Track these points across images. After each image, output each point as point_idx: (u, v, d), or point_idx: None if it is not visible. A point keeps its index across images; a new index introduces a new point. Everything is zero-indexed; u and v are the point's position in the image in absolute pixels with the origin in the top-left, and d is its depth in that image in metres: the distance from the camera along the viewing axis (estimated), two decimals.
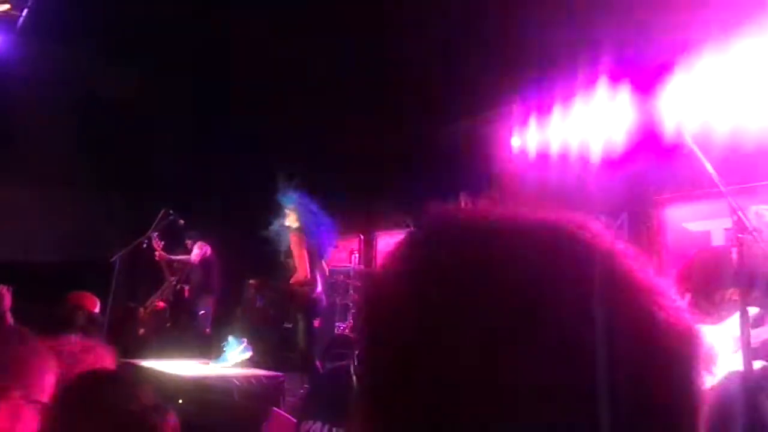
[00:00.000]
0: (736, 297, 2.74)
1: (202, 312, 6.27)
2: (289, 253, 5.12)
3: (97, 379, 1.44)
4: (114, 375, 1.43)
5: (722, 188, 2.60)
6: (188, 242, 6.52)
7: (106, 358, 1.65)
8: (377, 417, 0.45)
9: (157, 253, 6.32)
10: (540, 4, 4.59)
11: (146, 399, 1.32)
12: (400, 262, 0.48)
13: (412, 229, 0.51)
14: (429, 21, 5.24)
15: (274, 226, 5.27)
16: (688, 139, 2.80)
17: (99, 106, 7.06)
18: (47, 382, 1.40)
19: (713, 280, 2.97)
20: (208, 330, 6.19)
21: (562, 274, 0.42)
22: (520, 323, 0.40)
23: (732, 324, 2.80)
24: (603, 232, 0.47)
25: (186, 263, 6.46)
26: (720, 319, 2.89)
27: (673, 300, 0.45)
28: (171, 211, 5.88)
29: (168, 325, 6.18)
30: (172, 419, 1.33)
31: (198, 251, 6.42)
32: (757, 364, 2.64)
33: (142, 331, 6.12)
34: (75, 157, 7.31)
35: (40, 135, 6.87)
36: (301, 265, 5.02)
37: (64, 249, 7.59)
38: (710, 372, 0.45)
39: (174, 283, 6.46)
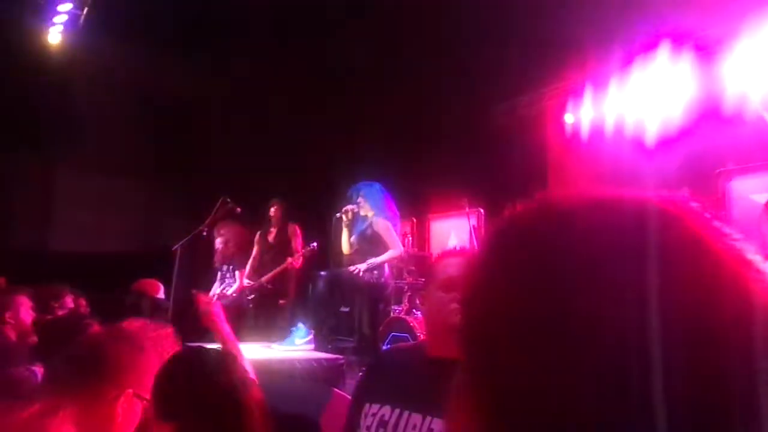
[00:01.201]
0: None
1: (282, 301, 6.11)
2: (369, 240, 5.18)
3: (186, 357, 1.51)
4: (202, 353, 1.50)
5: None
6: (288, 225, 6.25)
7: None
8: (488, 409, 0.44)
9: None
10: None
11: (234, 376, 1.39)
12: (505, 251, 0.47)
13: (507, 214, 0.50)
14: None
15: (346, 216, 5.32)
16: (759, 107, 2.67)
17: (162, 99, 7.26)
18: (151, 380, 1.52)
19: None
20: (285, 318, 5.92)
21: (653, 255, 0.41)
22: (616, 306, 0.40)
23: None
24: (696, 211, 0.45)
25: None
26: None
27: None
28: (228, 199, 5.99)
29: (251, 306, 6.11)
30: (258, 393, 1.39)
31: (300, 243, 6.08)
32: None
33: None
34: (139, 150, 7.56)
35: (105, 128, 7.13)
36: (395, 244, 5.19)
37: (129, 239, 7.88)
38: None
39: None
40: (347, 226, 5.38)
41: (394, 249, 5.21)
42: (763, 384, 0.39)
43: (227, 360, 1.47)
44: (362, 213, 5.29)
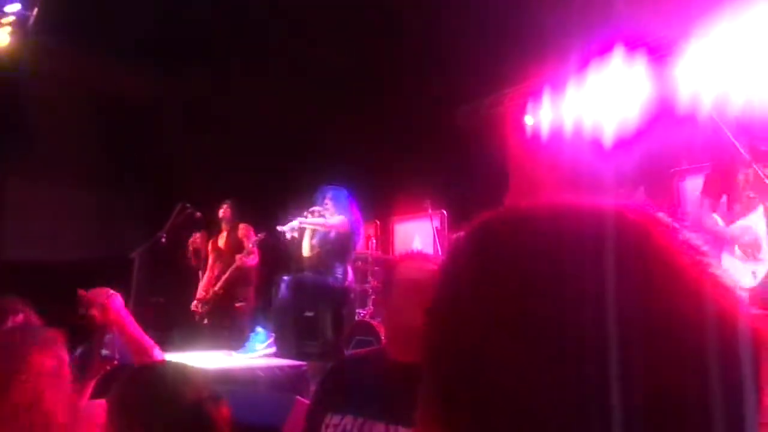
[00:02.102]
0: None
1: (239, 304, 5.94)
2: (333, 243, 5.11)
3: (149, 370, 1.46)
4: (169, 367, 1.44)
5: (746, 155, 2.56)
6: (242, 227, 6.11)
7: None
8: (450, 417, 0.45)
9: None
10: None
11: (201, 389, 1.34)
12: (471, 265, 0.48)
13: (472, 228, 0.51)
14: (440, 1, 5.18)
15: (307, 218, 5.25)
16: (709, 109, 2.77)
17: (119, 105, 7.09)
18: None
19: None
20: (245, 323, 5.79)
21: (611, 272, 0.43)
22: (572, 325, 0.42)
23: None
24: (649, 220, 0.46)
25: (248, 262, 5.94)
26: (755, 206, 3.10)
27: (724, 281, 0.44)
28: (188, 205, 5.88)
29: (205, 321, 5.95)
30: (225, 408, 1.34)
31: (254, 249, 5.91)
32: None
33: (206, 320, 5.91)
34: (95, 156, 7.36)
35: (60, 134, 6.92)
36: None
37: (85, 246, 7.67)
38: None
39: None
40: (310, 228, 5.31)
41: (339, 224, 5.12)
42: (714, 386, 0.40)
43: (192, 373, 1.42)
44: (327, 216, 5.24)
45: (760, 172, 2.61)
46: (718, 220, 3.33)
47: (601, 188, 5.49)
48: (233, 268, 5.86)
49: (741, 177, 3.19)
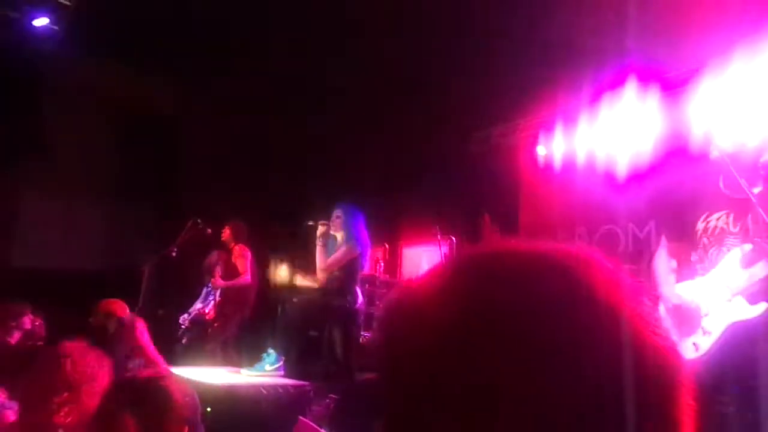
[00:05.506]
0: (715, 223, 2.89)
1: (217, 323, 6.02)
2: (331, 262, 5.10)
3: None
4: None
5: (752, 197, 2.56)
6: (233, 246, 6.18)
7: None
8: None
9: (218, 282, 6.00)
10: (567, 10, 4.58)
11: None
12: (438, 293, 0.53)
13: (450, 260, 0.58)
14: (454, 30, 5.25)
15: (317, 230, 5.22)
16: (717, 147, 2.78)
17: (131, 118, 7.20)
18: None
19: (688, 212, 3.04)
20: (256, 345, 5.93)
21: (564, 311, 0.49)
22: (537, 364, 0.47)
23: (721, 271, 2.83)
24: (602, 267, 0.52)
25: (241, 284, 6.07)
26: (708, 267, 2.90)
27: (659, 328, 0.50)
28: (199, 221, 5.94)
29: (210, 330, 5.99)
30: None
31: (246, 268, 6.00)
32: (760, 308, 2.68)
33: (185, 340, 5.98)
34: (107, 168, 7.47)
35: (73, 146, 7.03)
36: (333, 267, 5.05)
37: (96, 257, 7.74)
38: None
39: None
40: (323, 244, 5.17)
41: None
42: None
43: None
44: (332, 231, 5.22)
45: (762, 213, 2.55)
46: (671, 278, 3.01)
47: (612, 221, 5.50)
48: (219, 291, 5.99)
49: (701, 225, 2.96)
